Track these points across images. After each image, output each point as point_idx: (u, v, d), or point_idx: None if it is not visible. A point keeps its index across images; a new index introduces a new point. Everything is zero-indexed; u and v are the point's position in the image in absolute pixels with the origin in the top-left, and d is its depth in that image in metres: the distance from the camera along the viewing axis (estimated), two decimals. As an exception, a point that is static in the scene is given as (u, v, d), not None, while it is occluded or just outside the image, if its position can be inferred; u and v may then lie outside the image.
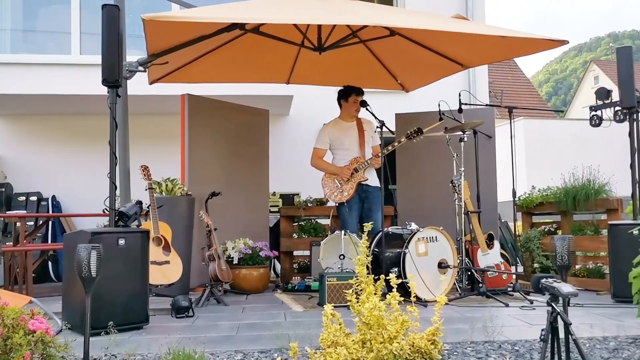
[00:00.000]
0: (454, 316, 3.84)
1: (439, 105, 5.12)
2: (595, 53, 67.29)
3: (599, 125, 4.83)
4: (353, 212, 5.09)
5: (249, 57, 5.38)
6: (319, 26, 4.90)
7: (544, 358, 2.36)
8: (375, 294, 2.52)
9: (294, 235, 6.02)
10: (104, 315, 3.31)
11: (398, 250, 4.52)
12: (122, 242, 3.54)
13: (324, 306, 2.50)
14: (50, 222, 7.19)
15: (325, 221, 6.02)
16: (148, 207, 4.45)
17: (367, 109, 4.93)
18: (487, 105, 6.05)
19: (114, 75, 3.62)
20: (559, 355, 2.38)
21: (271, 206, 6.70)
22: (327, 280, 4.25)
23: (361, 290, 2.54)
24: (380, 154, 4.76)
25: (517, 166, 5.30)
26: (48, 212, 7.36)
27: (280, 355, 2.80)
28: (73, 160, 7.78)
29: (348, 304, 2.52)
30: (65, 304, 3.66)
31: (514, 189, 5.23)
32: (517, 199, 5.49)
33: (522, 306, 4.21)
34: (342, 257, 4.50)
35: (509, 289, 4.75)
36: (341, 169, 5.15)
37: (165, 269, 4.32)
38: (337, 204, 5.17)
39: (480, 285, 4.59)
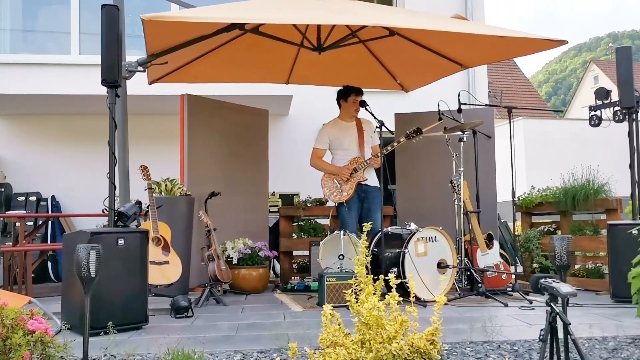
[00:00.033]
0: (453, 316, 3.85)
1: (438, 105, 5.12)
2: (595, 53, 67.32)
3: (598, 125, 4.84)
4: (352, 212, 5.09)
5: (248, 57, 5.38)
6: (319, 26, 4.90)
7: (543, 358, 2.36)
8: (374, 294, 2.52)
9: (294, 235, 6.02)
10: (103, 315, 3.30)
11: (397, 250, 4.52)
12: (121, 242, 3.54)
13: (323, 306, 2.50)
14: (49, 222, 7.19)
15: (325, 221, 6.02)
16: (147, 207, 4.45)
17: (366, 109, 4.93)
18: (486, 105, 6.05)
19: (113, 75, 3.62)
20: (558, 355, 2.38)
21: (270, 206, 6.70)
22: (327, 281, 4.25)
23: (360, 290, 2.55)
24: (379, 154, 4.76)
25: (516, 166, 5.30)
26: (47, 212, 7.36)
27: (279, 355, 2.80)
28: (72, 160, 7.78)
29: (347, 304, 2.52)
30: (65, 304, 3.66)
31: (513, 189, 5.23)
32: (516, 199, 5.49)
33: (521, 306, 4.21)
34: (341, 257, 4.50)
35: (508, 289, 4.75)
36: (340, 169, 5.15)
37: (164, 269, 4.32)
38: (336, 204, 5.17)
39: (480, 285, 4.59)
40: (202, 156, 5.64)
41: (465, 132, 5.04)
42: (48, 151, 7.82)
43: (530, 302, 4.34)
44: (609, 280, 4.45)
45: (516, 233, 5.97)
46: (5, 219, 6.70)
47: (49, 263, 7.02)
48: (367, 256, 2.64)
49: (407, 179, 6.06)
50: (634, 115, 4.55)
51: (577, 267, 5.28)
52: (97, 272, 2.64)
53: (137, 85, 4.64)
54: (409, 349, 2.40)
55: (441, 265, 4.57)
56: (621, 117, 4.60)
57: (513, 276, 4.95)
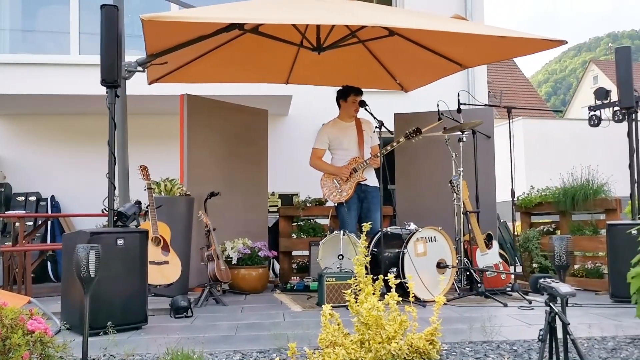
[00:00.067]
0: (452, 316, 3.85)
1: (437, 105, 5.12)
2: (595, 53, 67.34)
3: (597, 125, 4.84)
4: (352, 212, 5.09)
5: (248, 57, 5.38)
6: (318, 26, 4.90)
7: (542, 358, 2.36)
8: (373, 294, 2.52)
9: (293, 235, 6.02)
10: (102, 315, 3.30)
11: (397, 250, 4.52)
12: (120, 242, 3.54)
13: (323, 306, 2.50)
14: (49, 222, 7.18)
15: (324, 221, 6.02)
16: (147, 207, 4.45)
17: (366, 109, 4.93)
18: (486, 105, 6.05)
19: (112, 75, 3.62)
20: (557, 355, 2.38)
21: (270, 206, 6.71)
22: (326, 281, 4.25)
23: (360, 290, 2.55)
24: (379, 154, 4.76)
25: (516, 166, 5.30)
26: (47, 212, 7.36)
27: (278, 355, 2.80)
28: (72, 160, 7.78)
29: (347, 304, 2.52)
30: (64, 304, 3.66)
31: (512, 189, 5.24)
32: (516, 199, 5.49)
33: (521, 306, 4.21)
34: (341, 257, 4.50)
35: (507, 289, 4.75)
36: (340, 168, 5.16)
37: (164, 269, 4.32)
38: (336, 204, 5.17)
39: (479, 285, 4.59)
40: (202, 156, 5.64)
41: (465, 132, 5.04)
42: (48, 151, 7.82)
43: (530, 302, 4.34)
44: (608, 280, 4.46)
45: (515, 233, 5.97)
46: (4, 219, 6.69)
47: (49, 263, 7.02)
48: (366, 256, 2.64)
49: (407, 179, 6.06)
50: (634, 115, 4.55)
51: (576, 267, 5.28)
52: (97, 272, 2.64)
53: (136, 85, 4.64)
54: (408, 348, 2.40)
55: (440, 265, 4.57)
56: (620, 117, 4.60)
57: (512, 276, 4.95)
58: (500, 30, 4.24)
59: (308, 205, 6.00)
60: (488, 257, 4.88)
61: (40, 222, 6.94)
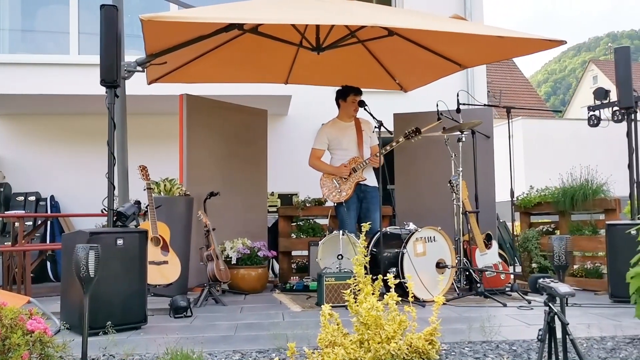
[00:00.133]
0: (451, 316, 3.85)
1: (437, 105, 5.13)
2: (594, 53, 67.38)
3: (597, 125, 4.84)
4: (351, 212, 5.09)
5: (247, 57, 5.38)
6: (317, 26, 4.90)
7: (541, 358, 2.36)
8: (373, 294, 2.53)
9: (292, 235, 6.02)
10: (102, 315, 3.30)
11: (396, 250, 4.52)
12: (120, 242, 3.54)
13: (322, 306, 2.50)
14: (48, 222, 7.18)
15: (324, 221, 6.02)
16: (146, 207, 4.45)
17: (365, 109, 4.94)
18: (485, 105, 6.06)
19: (112, 75, 3.62)
20: (556, 355, 2.38)
21: (269, 206, 6.71)
22: (325, 280, 4.26)
23: (359, 290, 2.55)
24: (378, 154, 4.76)
25: (515, 166, 5.30)
26: (46, 212, 7.36)
27: (278, 355, 2.81)
28: (71, 160, 7.77)
29: (346, 304, 2.52)
30: (64, 304, 3.66)
31: (512, 189, 5.23)
32: (515, 199, 5.49)
33: (520, 306, 4.21)
34: (340, 257, 4.50)
35: (506, 289, 4.76)
36: (339, 168, 5.15)
37: (163, 269, 4.32)
38: (335, 204, 5.17)
39: (478, 285, 4.59)
40: (201, 156, 5.64)
41: (464, 132, 5.04)
42: (47, 151, 7.82)
43: (529, 302, 4.34)
44: (607, 280, 4.46)
45: (515, 233, 5.97)
46: (4, 219, 6.69)
47: (48, 263, 7.02)
48: (365, 256, 2.64)
49: (406, 179, 6.06)
50: (633, 115, 4.56)
51: (575, 267, 5.28)
52: (96, 272, 2.64)
53: (136, 85, 4.64)
54: (407, 348, 2.40)
55: (440, 265, 4.57)
56: (620, 117, 4.60)
57: (512, 276, 4.95)
58: (500, 30, 4.24)
59: (307, 205, 6.00)
60: (487, 257, 4.88)
61: (39, 222, 6.93)
